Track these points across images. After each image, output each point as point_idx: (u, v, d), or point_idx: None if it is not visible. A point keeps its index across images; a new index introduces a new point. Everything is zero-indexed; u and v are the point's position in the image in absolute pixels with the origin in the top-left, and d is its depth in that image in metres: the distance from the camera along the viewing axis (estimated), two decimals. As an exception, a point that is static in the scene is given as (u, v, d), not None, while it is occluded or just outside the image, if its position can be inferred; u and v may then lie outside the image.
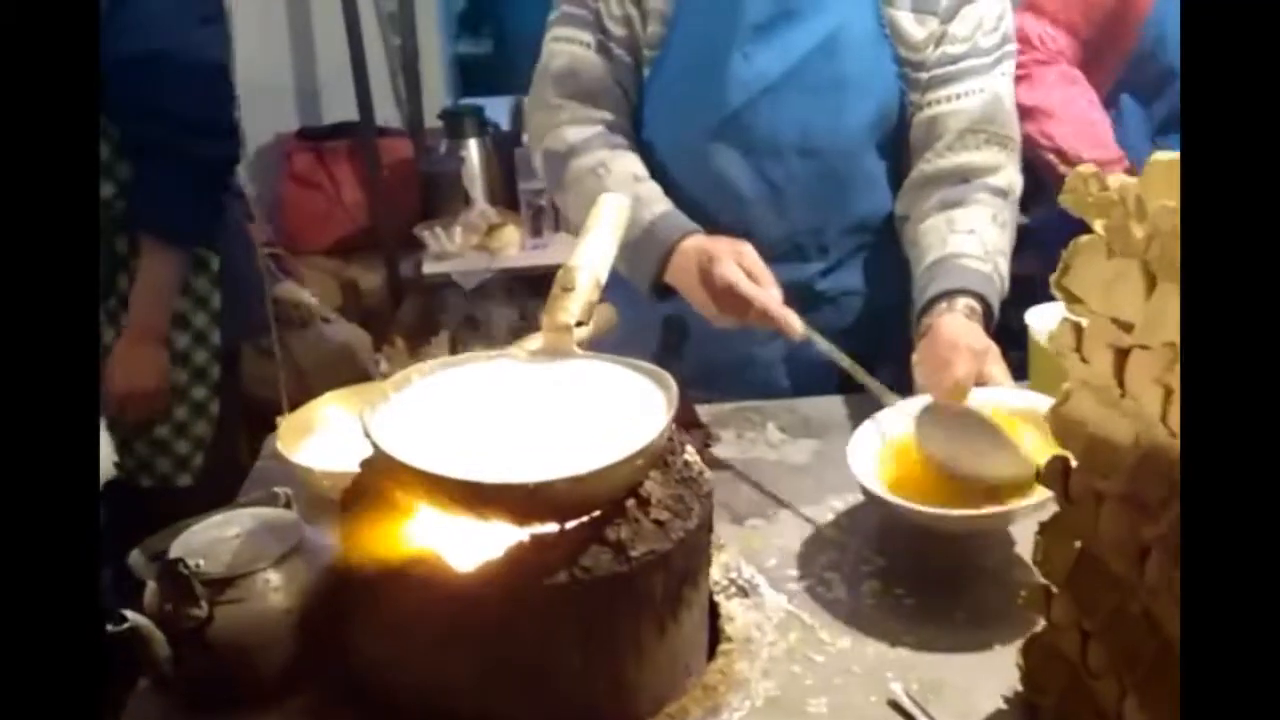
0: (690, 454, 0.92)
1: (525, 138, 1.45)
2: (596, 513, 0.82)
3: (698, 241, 1.27)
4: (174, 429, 1.81)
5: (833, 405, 1.36)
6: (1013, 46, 1.39)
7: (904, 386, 1.45)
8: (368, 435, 0.83)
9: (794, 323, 1.20)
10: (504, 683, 0.82)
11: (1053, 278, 0.78)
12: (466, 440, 0.85)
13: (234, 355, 1.91)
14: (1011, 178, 1.36)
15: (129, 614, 0.83)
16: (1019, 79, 1.56)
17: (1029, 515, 0.96)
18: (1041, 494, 0.95)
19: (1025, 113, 1.55)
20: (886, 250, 1.45)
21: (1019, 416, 1.07)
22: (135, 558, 0.92)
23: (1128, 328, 0.71)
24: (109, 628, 0.81)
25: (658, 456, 0.87)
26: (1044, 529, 0.83)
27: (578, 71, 1.39)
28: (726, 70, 1.34)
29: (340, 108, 3.25)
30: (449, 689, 0.83)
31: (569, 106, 1.40)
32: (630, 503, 0.84)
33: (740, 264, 1.22)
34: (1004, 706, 0.85)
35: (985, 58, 1.35)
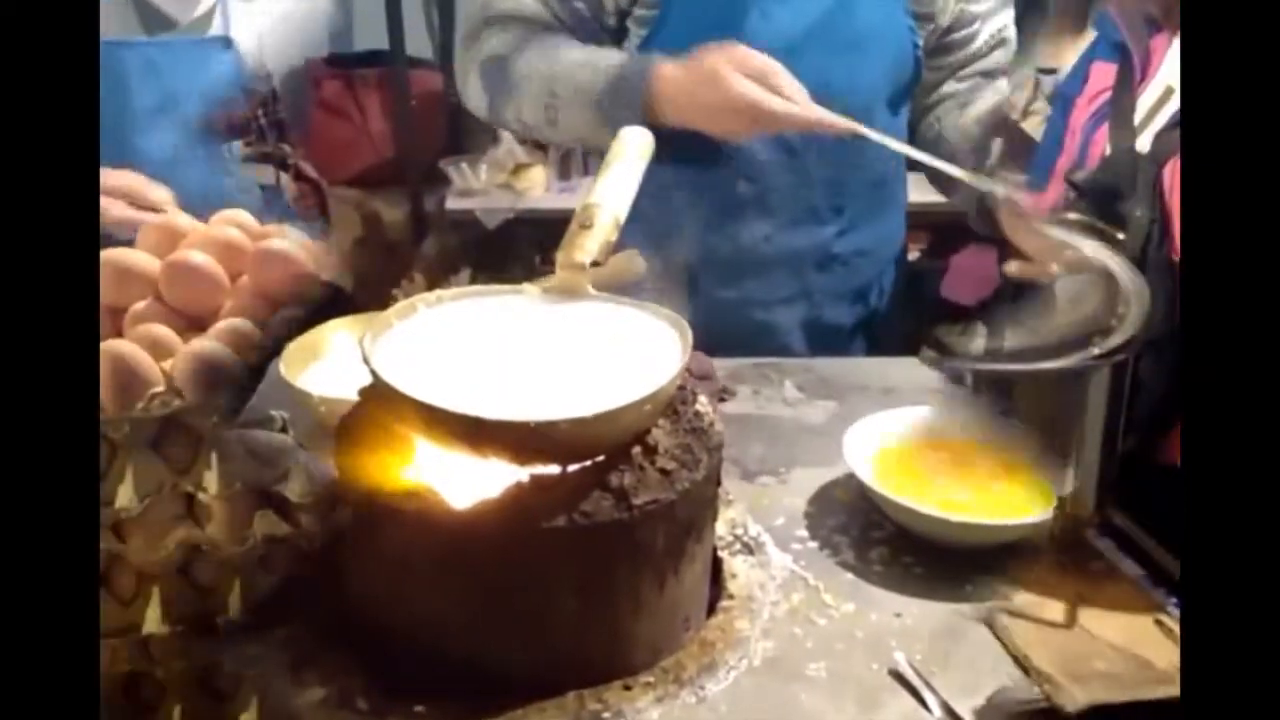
0: (703, 405, 0.88)
1: (459, 84, 1.42)
2: (600, 458, 0.79)
3: (678, 64, 1.22)
4: None
5: (852, 367, 1.33)
6: None
7: (897, 340, 1.44)
8: (366, 362, 0.80)
9: (835, 121, 1.16)
10: (497, 625, 0.79)
11: None
12: (469, 374, 0.82)
13: None
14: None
15: (113, 530, 0.80)
16: None
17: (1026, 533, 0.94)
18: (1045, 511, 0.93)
19: None
20: (892, 208, 1.48)
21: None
22: (126, 474, 0.89)
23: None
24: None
25: (667, 404, 0.84)
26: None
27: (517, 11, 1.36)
28: (744, 29, 1.28)
29: (372, 36, 3.19)
30: (440, 628, 0.80)
31: (501, 23, 1.36)
32: (636, 450, 0.81)
33: (747, 74, 1.17)
34: (1009, 685, 0.82)
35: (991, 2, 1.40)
